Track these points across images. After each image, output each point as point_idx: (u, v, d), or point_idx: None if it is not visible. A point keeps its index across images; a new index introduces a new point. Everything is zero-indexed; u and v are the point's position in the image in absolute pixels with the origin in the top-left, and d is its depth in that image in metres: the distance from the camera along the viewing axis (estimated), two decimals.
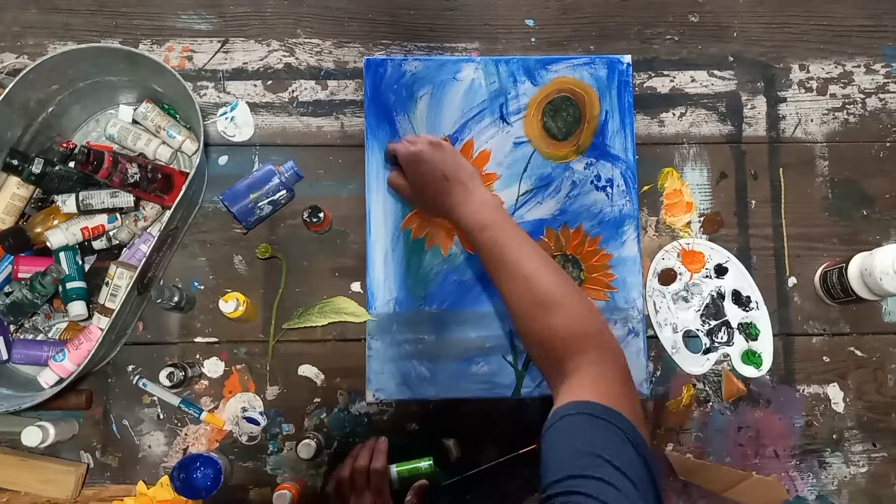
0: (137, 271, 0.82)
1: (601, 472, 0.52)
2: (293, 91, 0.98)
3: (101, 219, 0.90)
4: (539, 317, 0.70)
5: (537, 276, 0.71)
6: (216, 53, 0.98)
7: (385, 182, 0.93)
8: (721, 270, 0.96)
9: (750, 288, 0.95)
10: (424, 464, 0.87)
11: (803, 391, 0.95)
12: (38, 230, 0.89)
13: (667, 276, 0.96)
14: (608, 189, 0.95)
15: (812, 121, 1.00)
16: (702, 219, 0.97)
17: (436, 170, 0.82)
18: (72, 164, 0.85)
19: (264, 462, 0.91)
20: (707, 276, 0.95)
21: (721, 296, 0.95)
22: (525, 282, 0.71)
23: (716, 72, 1.01)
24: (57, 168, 0.87)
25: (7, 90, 0.81)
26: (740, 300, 0.95)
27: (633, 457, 0.55)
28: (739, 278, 0.96)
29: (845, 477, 0.94)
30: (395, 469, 0.87)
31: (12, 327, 0.90)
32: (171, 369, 0.86)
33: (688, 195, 0.97)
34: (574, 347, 0.67)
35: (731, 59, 1.01)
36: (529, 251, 0.74)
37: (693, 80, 1.00)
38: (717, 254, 0.96)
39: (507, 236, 0.75)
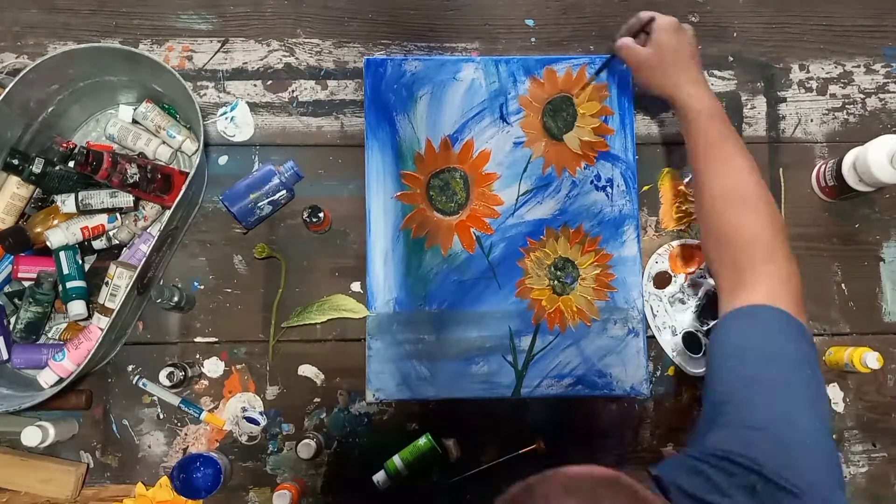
0: (137, 271, 0.82)
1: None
2: (293, 91, 0.98)
3: (101, 219, 0.90)
4: (734, 212, 0.71)
5: (749, 172, 0.73)
6: (216, 53, 0.98)
7: (385, 182, 0.93)
8: None
9: None
10: (422, 440, 0.89)
11: None
12: (38, 230, 0.89)
13: (661, 280, 0.96)
14: (608, 189, 0.95)
15: (812, 121, 1.00)
16: None
17: (686, 43, 0.82)
18: (71, 165, 0.85)
19: (264, 462, 0.91)
20: (702, 277, 0.95)
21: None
22: (736, 174, 0.73)
23: (716, 72, 1.01)
24: (57, 168, 0.87)
25: (7, 90, 0.81)
26: None
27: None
28: None
29: (845, 477, 0.94)
30: (398, 457, 0.88)
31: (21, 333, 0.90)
32: (171, 369, 0.86)
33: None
34: (760, 253, 0.68)
35: (731, 59, 1.01)
36: (746, 152, 0.75)
37: None
38: None
39: (731, 129, 0.77)
